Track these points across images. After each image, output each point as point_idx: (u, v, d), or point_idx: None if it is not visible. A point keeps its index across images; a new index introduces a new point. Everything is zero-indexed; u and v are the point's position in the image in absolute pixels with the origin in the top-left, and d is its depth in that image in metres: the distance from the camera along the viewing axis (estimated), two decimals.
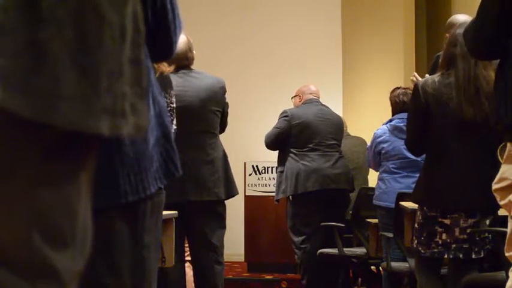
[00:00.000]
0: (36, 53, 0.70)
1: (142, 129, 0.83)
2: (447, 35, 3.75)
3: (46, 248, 0.76)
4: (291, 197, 5.50)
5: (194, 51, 4.18)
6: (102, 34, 0.76)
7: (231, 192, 4.17)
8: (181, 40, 4.02)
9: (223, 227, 4.15)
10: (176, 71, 4.11)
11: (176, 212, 3.52)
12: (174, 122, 3.45)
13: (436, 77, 3.38)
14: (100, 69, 0.76)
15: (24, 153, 0.74)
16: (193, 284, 4.25)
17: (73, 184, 0.79)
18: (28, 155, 0.74)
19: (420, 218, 3.34)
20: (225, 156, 4.17)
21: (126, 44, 0.80)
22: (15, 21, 0.70)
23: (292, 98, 5.93)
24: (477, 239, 3.33)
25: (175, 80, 4.07)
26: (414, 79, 4.08)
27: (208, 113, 4.14)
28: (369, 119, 7.19)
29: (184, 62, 4.12)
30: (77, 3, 0.74)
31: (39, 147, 0.75)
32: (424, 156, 3.60)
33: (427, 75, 3.66)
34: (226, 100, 4.29)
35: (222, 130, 4.29)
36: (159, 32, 1.57)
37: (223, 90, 4.23)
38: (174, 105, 3.53)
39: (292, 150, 5.52)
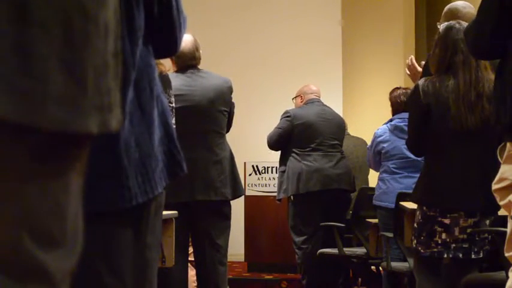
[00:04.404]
0: (23, 55, 0.69)
1: (120, 122, 0.82)
2: (438, 23, 3.71)
3: (36, 249, 0.75)
4: (292, 197, 5.50)
5: (201, 51, 4.18)
6: (89, 32, 0.75)
7: (237, 192, 4.17)
8: (188, 40, 4.02)
9: (228, 227, 4.15)
10: (184, 70, 4.11)
11: (176, 212, 3.52)
12: (173, 121, 3.45)
13: (434, 78, 3.37)
14: (87, 67, 0.75)
15: (12, 155, 0.73)
16: (193, 284, 4.24)
17: (62, 184, 0.78)
18: (16, 157, 0.73)
19: (419, 217, 3.34)
20: (231, 156, 4.17)
21: (110, 39, 0.80)
22: (2, 23, 0.68)
23: (293, 99, 5.92)
24: (477, 239, 3.32)
25: (183, 79, 4.07)
26: (409, 63, 4.05)
27: (216, 113, 4.14)
28: (369, 119, 7.18)
29: (191, 62, 4.12)
30: (63, 3, 0.73)
31: (27, 149, 0.74)
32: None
33: (422, 63, 3.62)
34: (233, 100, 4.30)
35: (227, 130, 4.29)
36: (164, 29, 1.57)
37: (230, 90, 4.23)
38: (174, 104, 3.53)
39: (294, 150, 5.52)
